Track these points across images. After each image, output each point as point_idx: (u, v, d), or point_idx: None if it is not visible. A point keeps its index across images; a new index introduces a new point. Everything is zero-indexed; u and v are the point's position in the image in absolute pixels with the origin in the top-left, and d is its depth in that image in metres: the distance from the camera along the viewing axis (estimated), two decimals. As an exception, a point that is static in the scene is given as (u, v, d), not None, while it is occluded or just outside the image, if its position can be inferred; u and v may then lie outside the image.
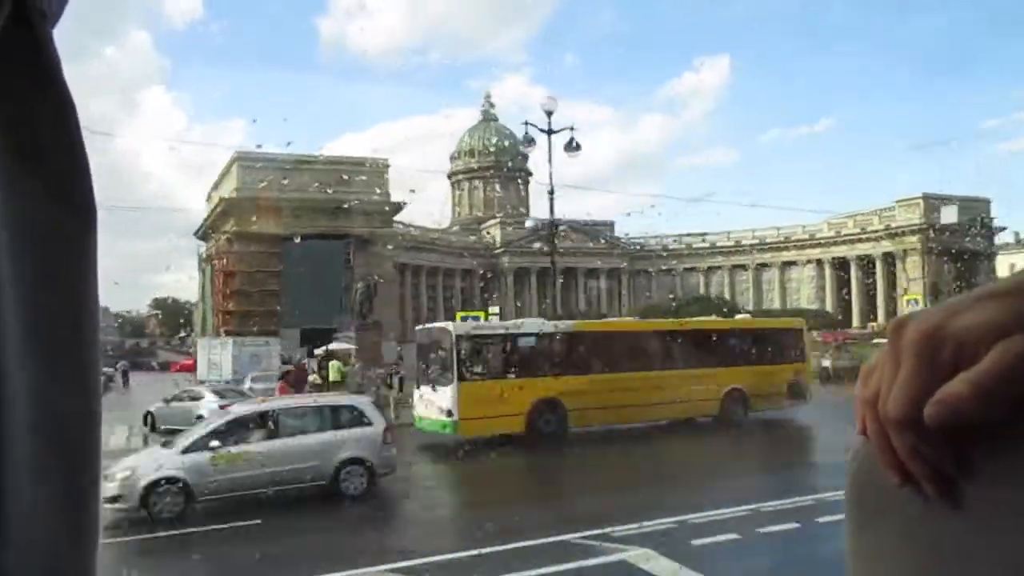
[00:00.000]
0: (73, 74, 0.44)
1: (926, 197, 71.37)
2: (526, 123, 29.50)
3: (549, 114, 28.54)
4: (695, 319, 27.77)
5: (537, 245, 79.58)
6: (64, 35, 0.47)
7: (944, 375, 0.38)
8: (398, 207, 52.19)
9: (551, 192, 29.22)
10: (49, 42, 0.45)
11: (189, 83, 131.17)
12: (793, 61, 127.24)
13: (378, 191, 49.79)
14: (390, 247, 54.33)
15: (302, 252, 45.66)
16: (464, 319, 24.49)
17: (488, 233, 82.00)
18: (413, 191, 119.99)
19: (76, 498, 0.44)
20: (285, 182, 46.73)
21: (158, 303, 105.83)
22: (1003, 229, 75.28)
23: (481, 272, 79.30)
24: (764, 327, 24.47)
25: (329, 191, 47.09)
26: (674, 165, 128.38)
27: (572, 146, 28.31)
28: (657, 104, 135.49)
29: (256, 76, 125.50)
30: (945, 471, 0.40)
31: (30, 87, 0.44)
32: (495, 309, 33.08)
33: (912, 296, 38.42)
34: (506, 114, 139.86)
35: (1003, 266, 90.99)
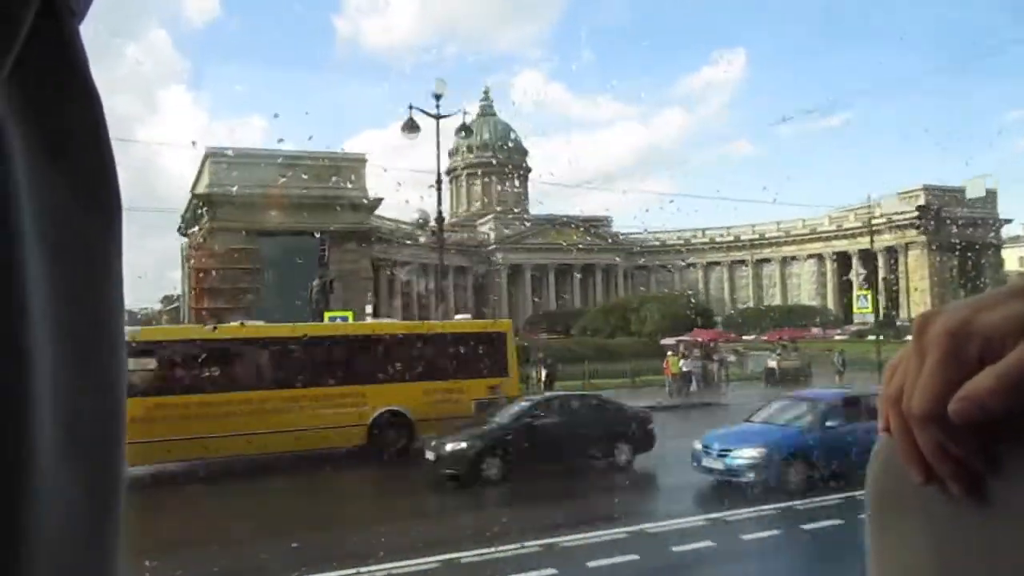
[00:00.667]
0: (95, 73, 0.45)
1: (927, 189, 69.55)
2: (411, 107, 26.24)
3: (437, 98, 26.11)
4: (338, 324, 22.35)
5: (531, 241, 78.90)
6: (86, 35, 0.47)
7: (970, 371, 0.38)
8: (376, 203, 51.54)
9: (438, 183, 26.73)
10: (76, 37, 0.45)
11: (209, 82, 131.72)
12: (811, 54, 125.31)
13: (355, 187, 49.15)
14: (374, 244, 53.71)
15: (276, 249, 45.13)
16: (332, 319, 23.13)
17: (482, 230, 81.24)
18: (432, 186, 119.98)
19: (98, 498, 0.44)
20: (259, 179, 46.28)
21: (168, 299, 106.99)
22: (1009, 221, 73.21)
23: (478, 269, 78.62)
24: (446, 332, 19.53)
25: (304, 187, 46.55)
26: (692, 159, 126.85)
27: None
28: (675, 98, 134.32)
29: (275, 75, 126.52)
30: (972, 468, 0.39)
31: (58, 83, 0.44)
32: (370, 308, 31.85)
33: (863, 292, 37.04)
34: (523, 111, 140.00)
35: (1012, 259, 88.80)
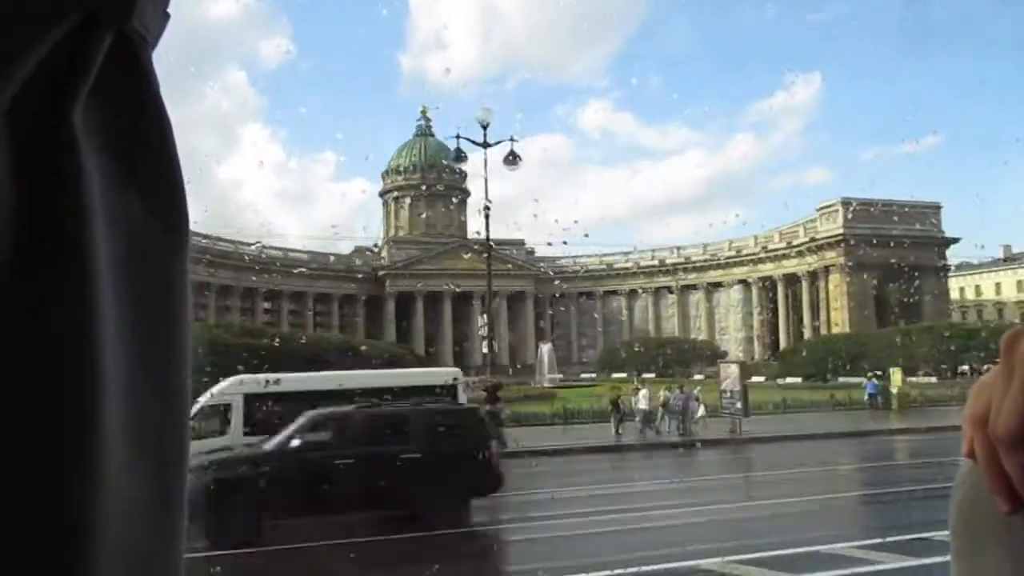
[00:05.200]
0: (179, 111, 0.42)
1: (845, 203, 60.21)
2: (458, 136, 28.06)
3: (484, 127, 27.59)
4: None
5: (425, 267, 73.24)
6: (167, 71, 0.48)
7: None
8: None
9: (487, 209, 27.62)
10: (149, 64, 0.46)
11: (284, 118, 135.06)
12: (894, 75, 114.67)
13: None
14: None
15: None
16: None
17: (383, 255, 76.08)
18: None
19: (164, 502, 0.45)
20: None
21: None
22: (956, 240, 62.47)
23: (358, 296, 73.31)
24: None
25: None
26: (765, 186, 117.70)
27: (512, 160, 26.98)
28: (747, 124, 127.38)
29: (345, 109, 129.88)
30: None
31: (131, 107, 0.45)
32: None
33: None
34: (589, 138, 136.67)
35: (988, 285, 77.00)
